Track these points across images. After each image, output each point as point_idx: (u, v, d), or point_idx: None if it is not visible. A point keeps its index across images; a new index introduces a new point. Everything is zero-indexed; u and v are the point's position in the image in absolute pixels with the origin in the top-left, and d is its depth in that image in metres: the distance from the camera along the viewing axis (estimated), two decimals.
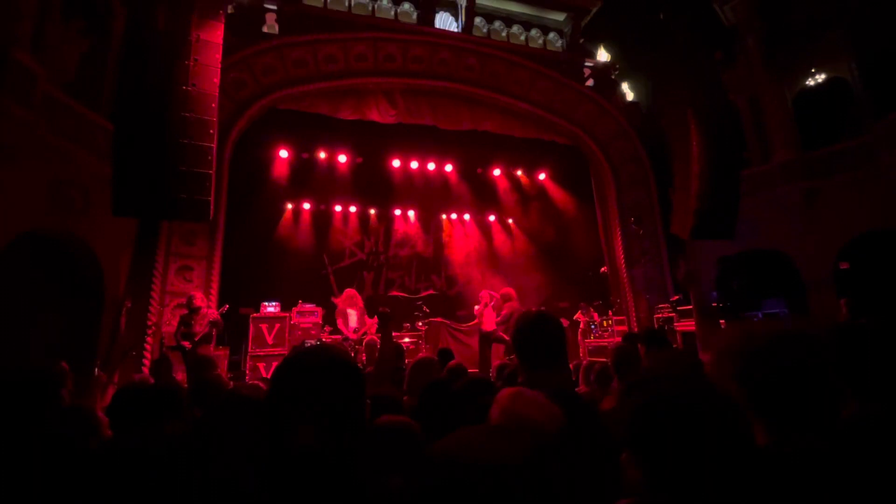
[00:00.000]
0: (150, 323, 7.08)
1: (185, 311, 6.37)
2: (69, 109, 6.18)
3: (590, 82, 10.84)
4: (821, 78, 9.38)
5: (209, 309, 6.57)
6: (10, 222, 5.45)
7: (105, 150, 6.08)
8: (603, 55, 11.06)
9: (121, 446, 1.11)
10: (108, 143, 5.72)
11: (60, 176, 6.08)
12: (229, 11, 7.82)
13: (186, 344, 6.01)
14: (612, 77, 11.06)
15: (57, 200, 6.03)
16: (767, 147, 9.76)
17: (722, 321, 7.88)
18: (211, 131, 5.16)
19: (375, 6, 9.63)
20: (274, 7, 8.55)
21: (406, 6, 9.84)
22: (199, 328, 6.13)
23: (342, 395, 0.86)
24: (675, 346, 8.24)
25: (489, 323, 7.91)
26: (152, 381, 3.15)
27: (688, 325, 8.49)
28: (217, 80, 5.27)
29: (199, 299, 6.39)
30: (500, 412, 1.13)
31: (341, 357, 0.91)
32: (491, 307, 7.98)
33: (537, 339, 1.64)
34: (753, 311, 8.25)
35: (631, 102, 11.12)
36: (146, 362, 6.83)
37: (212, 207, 5.33)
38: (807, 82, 9.56)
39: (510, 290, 8.07)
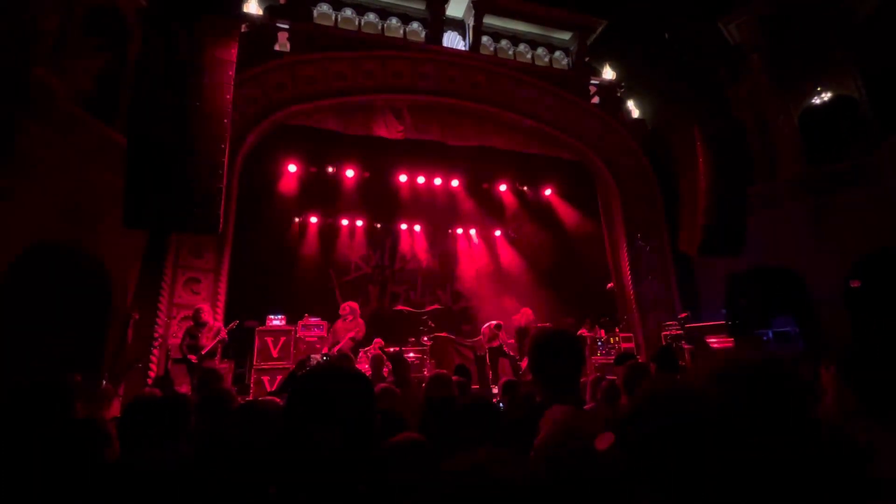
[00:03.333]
0: (156, 335, 7.10)
1: (192, 324, 6.39)
2: (84, 124, 6.32)
3: (595, 99, 10.95)
4: (827, 96, 9.41)
5: (216, 322, 6.59)
6: (23, 233, 5.54)
7: (117, 164, 6.18)
8: (608, 73, 11.20)
9: (136, 465, 1.13)
10: (121, 156, 5.83)
11: (73, 188, 6.19)
12: (243, 30, 8.03)
13: (193, 357, 6.03)
14: (618, 94, 11.18)
15: (69, 212, 6.12)
16: (774, 163, 9.76)
17: (731, 339, 7.79)
18: (222, 146, 5.24)
19: (385, 25, 9.85)
20: (286, 26, 8.77)
21: (414, 25, 10.05)
22: (206, 341, 6.14)
23: (360, 406, 0.90)
24: (682, 364, 8.15)
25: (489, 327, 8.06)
26: (160, 394, 3.15)
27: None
28: (230, 97, 5.37)
29: (207, 313, 6.41)
30: (555, 428, 1.11)
31: (356, 371, 0.94)
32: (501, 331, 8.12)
33: (557, 357, 1.63)
34: (763, 330, 8.15)
35: (637, 119, 11.22)
36: (152, 374, 6.84)
37: (221, 220, 5.39)
38: (813, 100, 9.59)
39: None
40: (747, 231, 7.42)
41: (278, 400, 1.66)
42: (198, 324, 6.29)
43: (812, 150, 9.35)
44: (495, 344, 8.28)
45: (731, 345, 7.81)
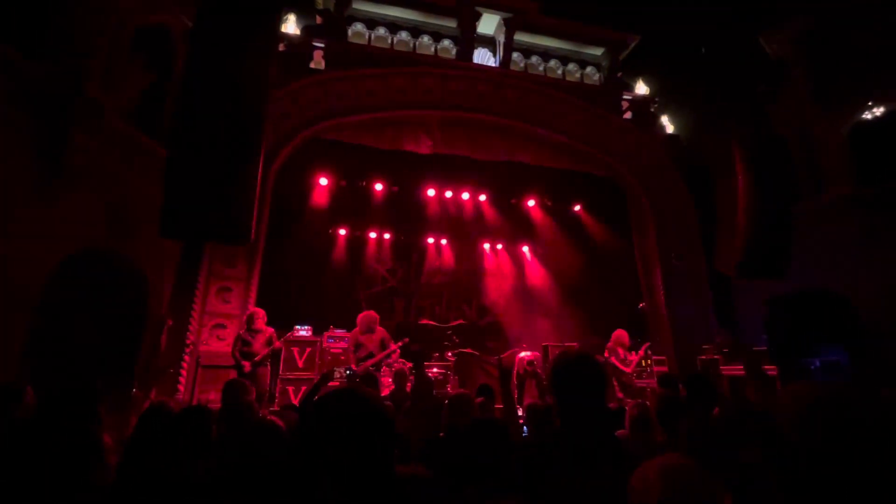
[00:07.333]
0: (188, 342, 7.28)
1: (244, 329, 6.23)
2: (129, 137, 6.64)
3: (628, 115, 10.76)
4: (879, 111, 8.91)
5: (269, 329, 6.41)
6: (70, 239, 5.81)
7: (158, 175, 6.44)
8: (642, 88, 11.00)
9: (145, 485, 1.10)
10: (161, 168, 6.08)
11: (117, 198, 6.48)
12: (281, 49, 8.33)
13: (246, 364, 5.92)
14: (652, 110, 10.95)
15: (112, 220, 6.40)
16: (820, 181, 9.27)
17: (773, 367, 7.32)
18: (257, 160, 5.37)
19: (416, 42, 10.02)
20: (321, 45, 9.05)
21: (446, 42, 10.19)
22: (259, 348, 6.04)
23: (373, 439, 0.84)
24: (720, 391, 7.71)
25: (522, 360, 7.76)
26: (173, 405, 3.15)
27: (735, 368, 7.95)
28: (265, 113, 5.52)
29: (261, 319, 6.19)
30: (660, 487, 0.99)
31: (376, 402, 0.88)
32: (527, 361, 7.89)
33: (576, 380, 1.60)
34: (810, 358, 7.61)
35: (671, 135, 10.93)
36: (182, 381, 6.99)
37: (253, 232, 5.50)
38: (863, 115, 9.10)
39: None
40: (791, 252, 7.01)
41: (280, 422, 1.60)
42: (250, 329, 6.17)
43: (863, 168, 8.83)
44: (522, 372, 8.08)
45: (774, 372, 7.34)
